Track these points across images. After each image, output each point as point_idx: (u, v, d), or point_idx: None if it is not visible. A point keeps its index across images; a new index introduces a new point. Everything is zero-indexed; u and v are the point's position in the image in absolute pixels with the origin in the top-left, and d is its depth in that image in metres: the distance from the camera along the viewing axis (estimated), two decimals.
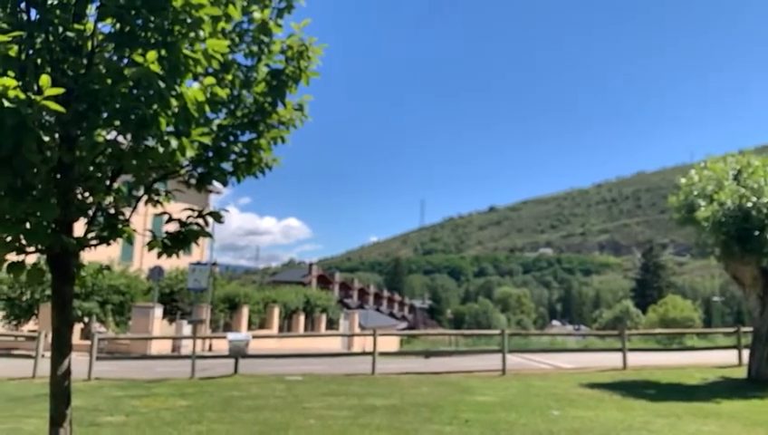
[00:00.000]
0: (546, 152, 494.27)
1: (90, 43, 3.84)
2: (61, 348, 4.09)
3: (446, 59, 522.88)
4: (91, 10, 3.89)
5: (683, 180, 14.46)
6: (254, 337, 16.77)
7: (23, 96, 3.10)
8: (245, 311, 30.37)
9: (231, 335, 16.03)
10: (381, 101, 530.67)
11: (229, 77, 4.44)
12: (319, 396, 11.53)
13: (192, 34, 3.71)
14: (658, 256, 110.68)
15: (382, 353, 16.34)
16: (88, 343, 15.31)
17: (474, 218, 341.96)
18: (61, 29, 3.74)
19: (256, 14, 4.56)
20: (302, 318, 36.54)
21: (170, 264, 20.12)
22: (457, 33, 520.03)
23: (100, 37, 3.89)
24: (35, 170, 3.47)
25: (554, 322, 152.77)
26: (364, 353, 17.63)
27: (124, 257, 30.72)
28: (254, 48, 4.62)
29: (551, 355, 20.27)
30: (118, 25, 3.83)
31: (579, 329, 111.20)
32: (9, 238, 3.67)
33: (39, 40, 3.70)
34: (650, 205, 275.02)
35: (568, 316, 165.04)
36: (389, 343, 38.24)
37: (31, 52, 3.65)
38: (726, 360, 16.87)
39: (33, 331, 20.34)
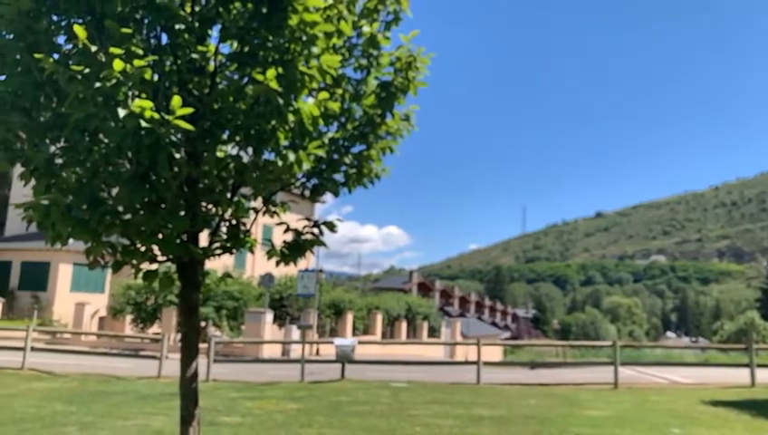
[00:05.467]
0: (657, 154, 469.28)
1: (212, 64, 4.09)
2: (189, 351, 4.35)
3: (547, 58, 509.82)
4: (212, 32, 4.15)
5: None
6: (359, 343, 17.05)
7: (157, 116, 3.34)
8: (350, 317, 30.97)
9: (338, 341, 16.41)
10: (481, 105, 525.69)
11: (340, 91, 4.56)
12: (424, 404, 11.52)
13: (306, 51, 3.86)
14: None
15: (486, 363, 16.10)
16: (205, 346, 16.18)
17: (579, 225, 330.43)
18: (187, 51, 4.00)
19: (365, 28, 4.66)
20: (404, 325, 36.73)
21: (279, 271, 20.92)
22: (557, 30, 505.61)
23: (221, 58, 4.14)
24: (167, 185, 3.73)
25: (669, 333, 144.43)
26: (467, 362, 17.46)
27: (237, 265, 32.30)
28: (364, 61, 4.72)
29: (666, 369, 19.12)
30: (238, 46, 4.06)
31: (696, 341, 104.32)
32: (143, 249, 3.97)
33: (168, 63, 3.99)
34: None
35: (684, 328, 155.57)
36: (493, 353, 37.67)
37: (161, 74, 3.94)
38: None
39: (158, 333, 21.82)
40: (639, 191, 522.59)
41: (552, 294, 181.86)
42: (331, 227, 4.51)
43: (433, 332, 40.98)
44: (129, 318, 26.08)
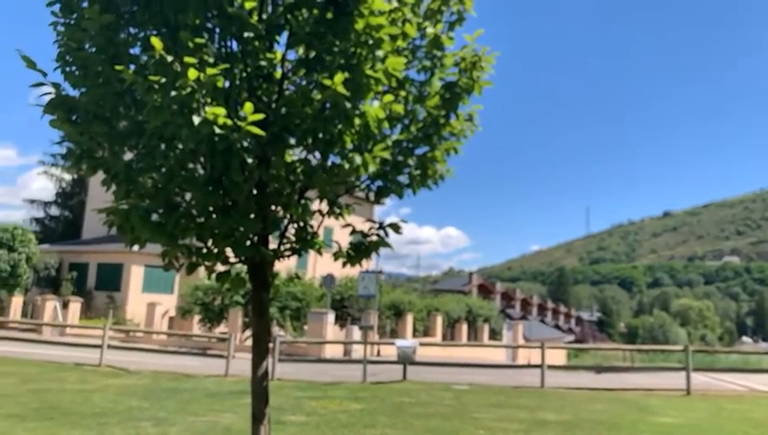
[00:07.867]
0: (730, 149, 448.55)
1: (280, 71, 4.18)
2: (260, 351, 4.45)
3: (612, 54, 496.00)
4: (279, 39, 4.23)
5: None
6: (420, 344, 17.03)
7: (230, 123, 3.44)
8: (410, 318, 30.98)
9: (399, 342, 16.45)
10: (543, 102, 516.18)
11: (403, 93, 4.57)
12: (487, 407, 11.41)
13: (372, 55, 3.89)
14: None
15: (550, 367, 15.79)
16: (270, 345, 16.53)
17: (646, 224, 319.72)
18: (256, 58, 4.10)
19: (429, 30, 4.64)
20: (464, 327, 36.44)
21: (340, 272, 21.13)
22: (625, 25, 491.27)
23: (288, 64, 4.21)
24: (239, 189, 3.84)
25: (744, 338, 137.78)
26: (530, 366, 17.17)
27: (299, 266, 32.84)
28: (427, 63, 4.70)
29: (743, 375, 18.27)
30: (304, 52, 4.13)
31: None
32: (216, 251, 4.10)
33: (238, 70, 4.09)
34: None
35: (761, 333, 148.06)
36: (556, 357, 36.84)
37: (231, 81, 4.05)
38: None
39: (225, 333, 22.44)
40: (710, 189, 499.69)
41: (617, 296, 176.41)
42: (397, 229, 4.52)
43: (494, 334, 40.47)
44: (197, 318, 26.93)
